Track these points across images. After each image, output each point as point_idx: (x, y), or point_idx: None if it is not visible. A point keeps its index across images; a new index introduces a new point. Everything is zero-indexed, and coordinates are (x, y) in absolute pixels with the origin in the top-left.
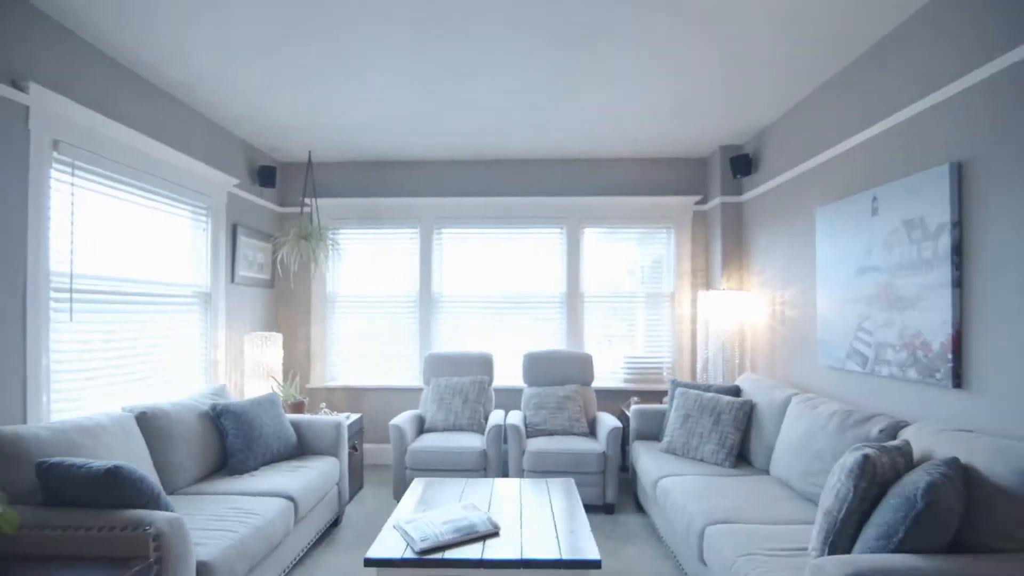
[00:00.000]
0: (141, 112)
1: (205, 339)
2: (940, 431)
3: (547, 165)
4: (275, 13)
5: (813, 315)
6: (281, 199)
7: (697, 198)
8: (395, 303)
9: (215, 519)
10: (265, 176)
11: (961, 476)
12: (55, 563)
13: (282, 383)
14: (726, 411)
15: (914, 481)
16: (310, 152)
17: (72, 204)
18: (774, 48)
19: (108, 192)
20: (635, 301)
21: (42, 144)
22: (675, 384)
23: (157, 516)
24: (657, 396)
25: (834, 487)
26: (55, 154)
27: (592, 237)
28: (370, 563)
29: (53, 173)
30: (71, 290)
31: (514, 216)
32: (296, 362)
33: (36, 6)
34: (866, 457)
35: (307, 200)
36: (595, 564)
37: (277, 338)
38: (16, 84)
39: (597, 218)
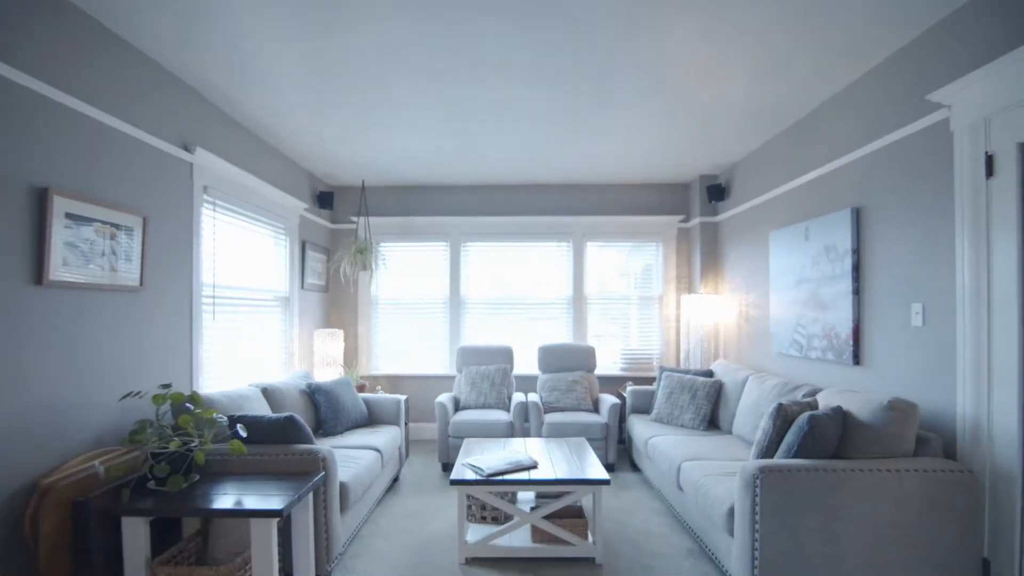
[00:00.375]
0: (248, 157)
1: (285, 334)
2: (838, 392)
3: (556, 189)
4: (336, 85)
5: (767, 315)
6: (333, 218)
7: (681, 217)
8: (428, 305)
9: None
10: (324, 199)
11: (841, 416)
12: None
13: (346, 369)
14: (701, 389)
15: (804, 416)
16: (363, 181)
17: (214, 232)
18: (739, 112)
19: (231, 220)
20: (629, 303)
21: (198, 189)
22: (662, 369)
23: (321, 447)
24: (648, 381)
25: (762, 427)
26: (205, 196)
27: (593, 249)
28: (455, 483)
29: (203, 210)
30: (214, 297)
31: (528, 232)
32: (346, 355)
33: (203, 95)
34: (780, 405)
35: (355, 218)
36: (606, 482)
37: (339, 333)
38: (187, 148)
39: (597, 233)
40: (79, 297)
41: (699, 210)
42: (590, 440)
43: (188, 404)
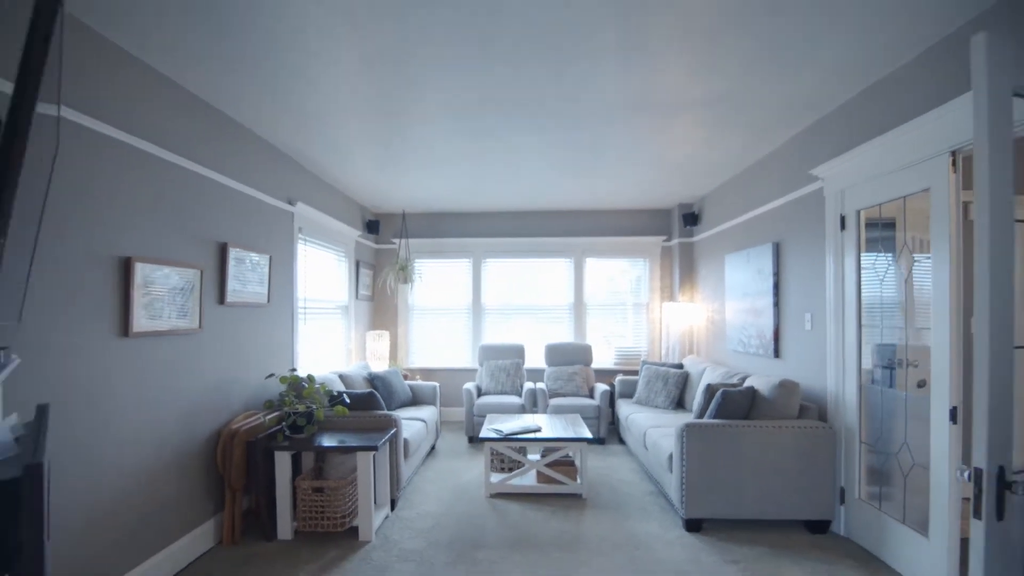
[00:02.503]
0: (324, 200)
1: (345, 335)
2: (758, 376)
3: (559, 215)
4: (394, 152)
5: (724, 319)
6: (378, 240)
7: (664, 237)
8: (455, 311)
9: None
10: (371, 226)
11: (751, 392)
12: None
13: (391, 363)
14: (672, 378)
15: (720, 391)
16: (404, 211)
17: (304, 259)
18: (698, 164)
19: (312, 249)
20: (621, 308)
21: (296, 230)
22: (644, 363)
23: (392, 412)
24: (635, 373)
25: (697, 400)
26: (299, 234)
27: (591, 264)
28: (483, 439)
29: (298, 244)
30: (305, 308)
31: (536, 250)
32: (390, 351)
33: (300, 163)
34: (708, 385)
35: (396, 240)
36: (589, 439)
37: (385, 334)
38: (290, 202)
39: (594, 251)
40: (240, 312)
41: (678, 232)
42: (585, 419)
43: (304, 383)
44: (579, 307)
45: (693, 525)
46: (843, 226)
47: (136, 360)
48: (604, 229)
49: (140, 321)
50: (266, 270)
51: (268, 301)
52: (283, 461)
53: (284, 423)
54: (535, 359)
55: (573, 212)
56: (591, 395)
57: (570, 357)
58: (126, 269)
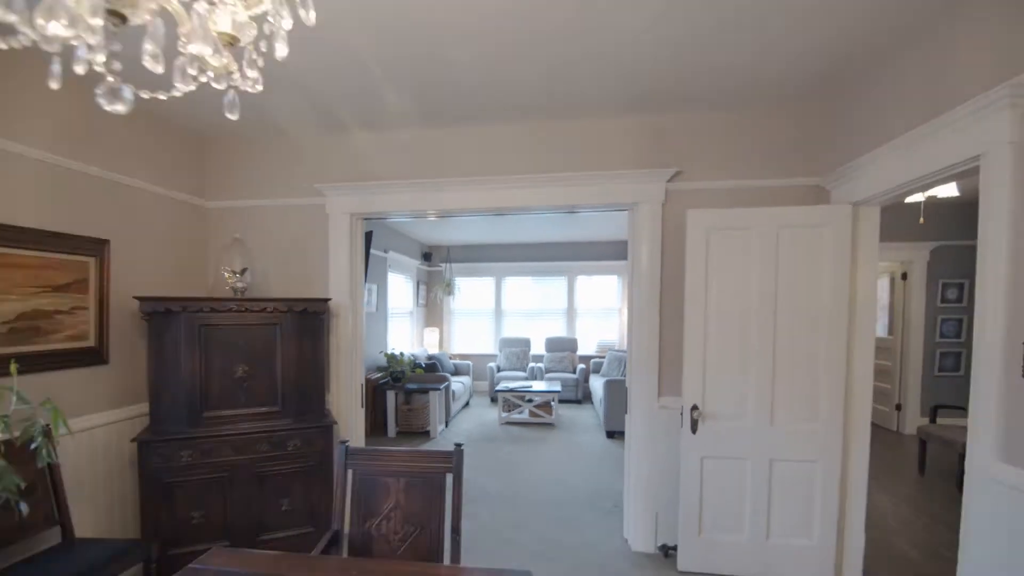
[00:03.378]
0: (399, 244)
1: (411, 330)
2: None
3: (557, 245)
4: (447, 223)
5: None
6: (429, 264)
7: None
8: (482, 314)
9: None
10: (426, 255)
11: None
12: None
13: (440, 348)
14: (624, 360)
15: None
16: (448, 246)
17: (390, 283)
18: None
19: (395, 276)
20: (602, 312)
21: (387, 266)
22: (609, 351)
23: (445, 374)
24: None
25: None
26: (389, 269)
27: (580, 280)
28: (499, 391)
29: (388, 275)
30: (390, 313)
31: (542, 271)
32: (439, 341)
33: (393, 228)
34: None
35: (442, 264)
36: (558, 392)
37: (436, 329)
38: (385, 250)
39: (583, 271)
40: (368, 317)
41: None
42: (567, 387)
43: (397, 356)
44: (571, 311)
45: (609, 435)
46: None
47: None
48: (590, 255)
49: None
50: (375, 293)
51: (376, 310)
52: (394, 397)
53: (390, 376)
54: (538, 347)
55: (567, 243)
56: (574, 371)
57: (562, 346)
58: None
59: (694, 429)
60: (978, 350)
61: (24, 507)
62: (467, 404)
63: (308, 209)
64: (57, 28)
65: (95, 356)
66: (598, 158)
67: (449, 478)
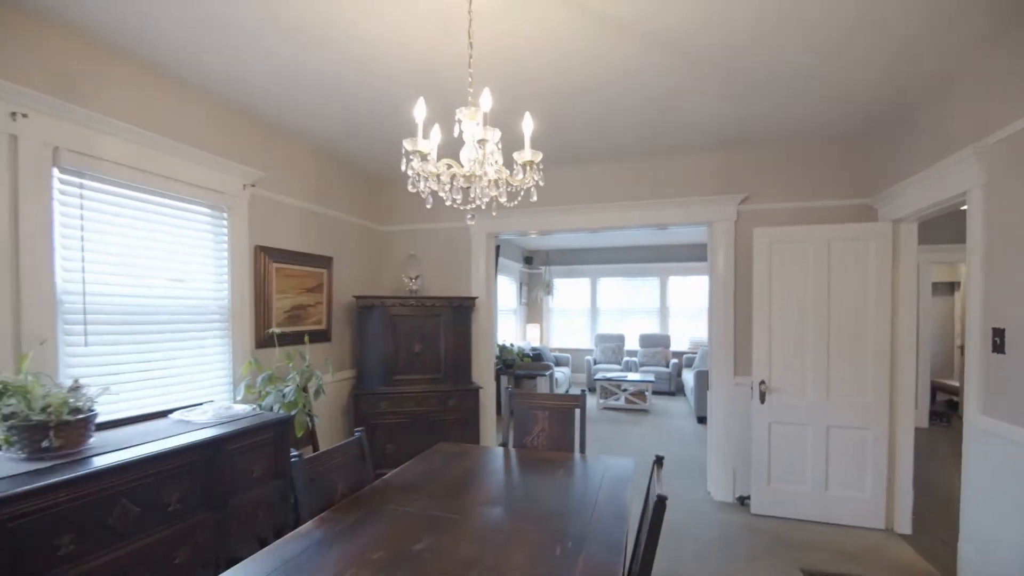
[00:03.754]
0: (504, 251)
1: (516, 326)
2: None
3: (649, 248)
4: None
5: None
6: (530, 267)
7: None
8: (579, 312)
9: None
10: (527, 259)
11: None
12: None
13: (541, 342)
14: None
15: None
16: (548, 250)
17: (499, 284)
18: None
19: (501, 278)
20: (695, 310)
21: (496, 270)
22: (701, 347)
23: (550, 364)
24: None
25: None
26: (497, 273)
27: (672, 280)
28: (598, 380)
29: (498, 276)
30: (498, 311)
31: (634, 272)
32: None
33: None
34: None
35: (542, 267)
36: (652, 382)
37: (537, 326)
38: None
39: (673, 271)
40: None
41: None
42: (660, 379)
43: (507, 347)
44: (663, 309)
45: (700, 420)
46: None
47: None
48: (679, 256)
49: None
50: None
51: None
52: (503, 381)
53: (502, 363)
54: (632, 343)
55: (658, 246)
56: (667, 366)
57: (655, 342)
58: None
59: (763, 400)
60: (969, 334)
61: (312, 422)
62: (567, 392)
63: (455, 230)
64: (439, 168)
65: (324, 335)
66: (682, 188)
67: (577, 412)
